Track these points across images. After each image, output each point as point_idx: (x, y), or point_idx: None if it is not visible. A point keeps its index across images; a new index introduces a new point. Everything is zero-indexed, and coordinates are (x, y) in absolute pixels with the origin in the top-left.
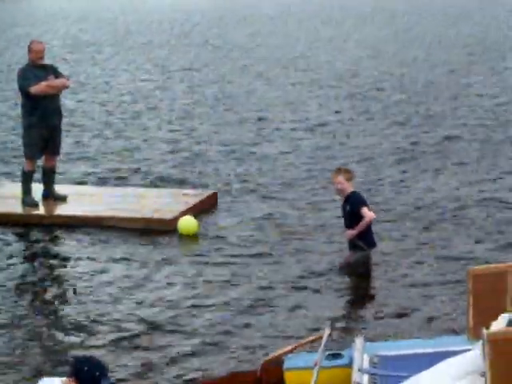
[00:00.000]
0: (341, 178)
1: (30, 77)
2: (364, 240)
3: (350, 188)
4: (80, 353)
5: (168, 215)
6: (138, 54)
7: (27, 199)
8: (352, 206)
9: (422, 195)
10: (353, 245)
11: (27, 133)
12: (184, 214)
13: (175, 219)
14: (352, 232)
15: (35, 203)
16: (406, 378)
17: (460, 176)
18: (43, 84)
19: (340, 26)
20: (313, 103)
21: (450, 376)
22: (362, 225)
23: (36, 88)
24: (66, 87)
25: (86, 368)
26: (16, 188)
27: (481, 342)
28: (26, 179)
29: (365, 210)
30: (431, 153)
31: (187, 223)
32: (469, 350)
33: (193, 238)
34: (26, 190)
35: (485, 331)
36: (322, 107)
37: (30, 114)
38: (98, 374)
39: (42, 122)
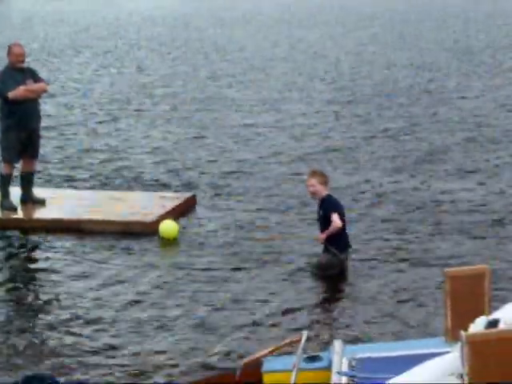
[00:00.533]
0: (314, 181)
1: (9, 81)
2: (335, 245)
3: (323, 191)
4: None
5: (147, 218)
6: (116, 57)
7: (5, 203)
8: (324, 211)
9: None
10: (326, 248)
11: (5, 136)
12: (164, 217)
13: (156, 222)
14: (321, 236)
15: (14, 207)
16: (385, 380)
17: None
18: (22, 88)
19: (328, 28)
20: (293, 107)
21: (429, 378)
22: (329, 230)
23: (14, 93)
24: (45, 91)
25: None
26: None
27: (459, 343)
28: (4, 183)
29: (334, 217)
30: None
31: (168, 227)
32: (447, 352)
33: (173, 241)
34: (4, 194)
35: (463, 333)
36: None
37: (7, 117)
38: None
39: (21, 126)
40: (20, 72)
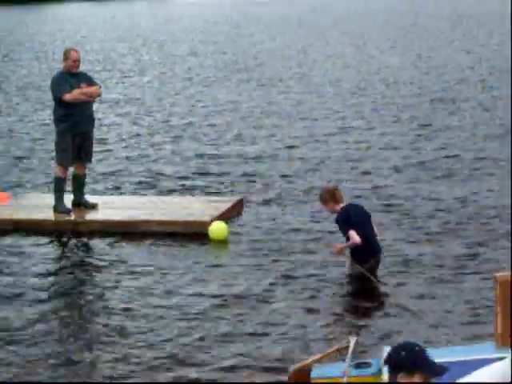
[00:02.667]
0: (326, 207)
1: (64, 84)
2: (358, 255)
3: (337, 206)
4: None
5: (204, 218)
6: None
7: (60, 206)
8: (339, 227)
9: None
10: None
11: (60, 139)
12: (216, 219)
13: (211, 222)
14: (337, 247)
15: (68, 210)
16: None
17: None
18: (76, 91)
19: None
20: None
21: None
22: (347, 244)
23: (69, 95)
24: (99, 95)
25: None
26: (44, 198)
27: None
28: (59, 186)
29: (351, 233)
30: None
31: (218, 228)
32: (498, 358)
33: (223, 243)
34: (59, 197)
35: None
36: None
37: (62, 121)
38: None
39: (75, 129)
40: (75, 76)
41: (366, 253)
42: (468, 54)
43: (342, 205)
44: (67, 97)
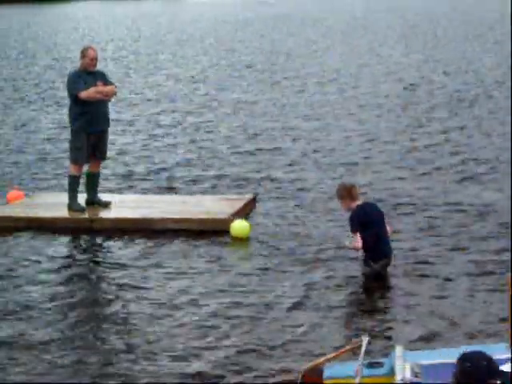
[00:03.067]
0: (342, 204)
1: (80, 82)
2: (369, 254)
3: (353, 204)
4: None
5: (221, 216)
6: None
7: (74, 205)
8: (350, 224)
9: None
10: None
11: (75, 137)
12: (234, 216)
13: (229, 220)
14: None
15: (82, 208)
16: None
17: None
18: (92, 89)
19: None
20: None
21: None
22: (352, 246)
23: (85, 93)
24: (114, 94)
25: None
26: (57, 197)
27: None
28: (73, 184)
29: (356, 238)
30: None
31: (240, 226)
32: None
33: (245, 240)
34: (73, 196)
35: None
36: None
37: (77, 119)
38: None
39: (90, 128)
40: (91, 75)
41: (378, 252)
42: (485, 55)
43: (358, 202)
44: (83, 94)
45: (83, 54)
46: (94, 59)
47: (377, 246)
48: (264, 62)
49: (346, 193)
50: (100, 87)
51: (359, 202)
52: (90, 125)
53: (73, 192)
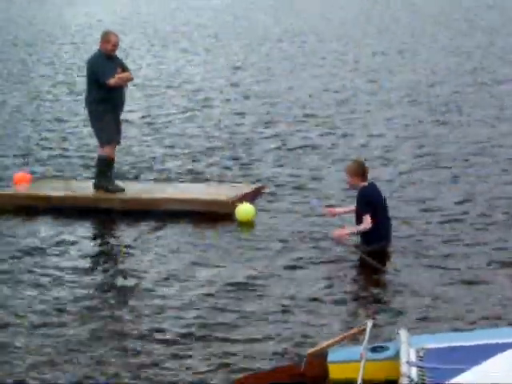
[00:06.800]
0: (351, 180)
1: (108, 69)
2: (367, 237)
3: (360, 182)
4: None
5: (226, 198)
6: None
7: (112, 186)
8: (361, 201)
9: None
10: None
11: (104, 119)
12: (239, 200)
13: (233, 202)
14: (343, 232)
15: (121, 188)
16: (455, 370)
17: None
18: (117, 77)
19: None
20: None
21: None
22: (357, 229)
23: (113, 80)
24: (132, 80)
25: None
26: (60, 181)
27: None
28: (110, 165)
29: (367, 218)
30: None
31: (245, 209)
32: None
33: (250, 224)
34: (109, 178)
35: None
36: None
37: (104, 102)
38: None
39: (115, 111)
40: (112, 60)
41: (381, 233)
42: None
43: (366, 183)
44: (112, 81)
45: (105, 38)
46: (116, 45)
47: (381, 228)
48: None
49: (362, 171)
50: (123, 74)
51: (365, 183)
52: (115, 108)
53: (110, 174)
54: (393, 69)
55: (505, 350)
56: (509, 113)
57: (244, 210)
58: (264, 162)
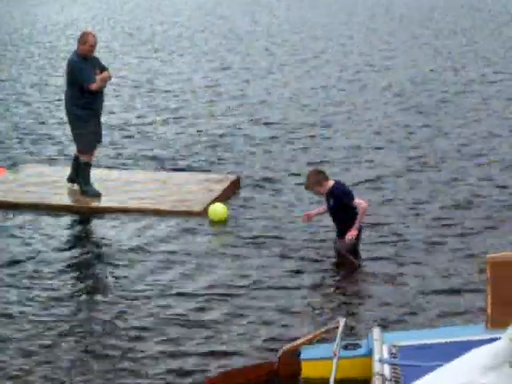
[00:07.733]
0: (320, 189)
1: (87, 72)
2: (346, 230)
3: (326, 187)
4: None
5: (196, 207)
6: None
7: (91, 190)
8: (337, 199)
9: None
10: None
11: (86, 126)
12: (212, 202)
13: (204, 211)
14: (353, 232)
15: (98, 193)
16: (428, 367)
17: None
18: (98, 79)
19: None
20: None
21: (480, 367)
22: (360, 217)
23: (95, 85)
24: (111, 79)
25: None
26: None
27: (508, 331)
28: (88, 171)
29: (360, 202)
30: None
31: (216, 210)
32: (489, 339)
33: (222, 223)
34: (88, 181)
35: None
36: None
37: (86, 108)
38: None
39: (96, 113)
40: (89, 61)
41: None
42: None
43: (332, 180)
44: (94, 86)
45: (83, 40)
46: (94, 46)
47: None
48: None
49: (321, 174)
50: (103, 74)
51: (331, 181)
52: (97, 111)
53: (89, 178)
54: (378, 69)
55: (477, 347)
56: (495, 114)
57: (215, 210)
58: (241, 161)
